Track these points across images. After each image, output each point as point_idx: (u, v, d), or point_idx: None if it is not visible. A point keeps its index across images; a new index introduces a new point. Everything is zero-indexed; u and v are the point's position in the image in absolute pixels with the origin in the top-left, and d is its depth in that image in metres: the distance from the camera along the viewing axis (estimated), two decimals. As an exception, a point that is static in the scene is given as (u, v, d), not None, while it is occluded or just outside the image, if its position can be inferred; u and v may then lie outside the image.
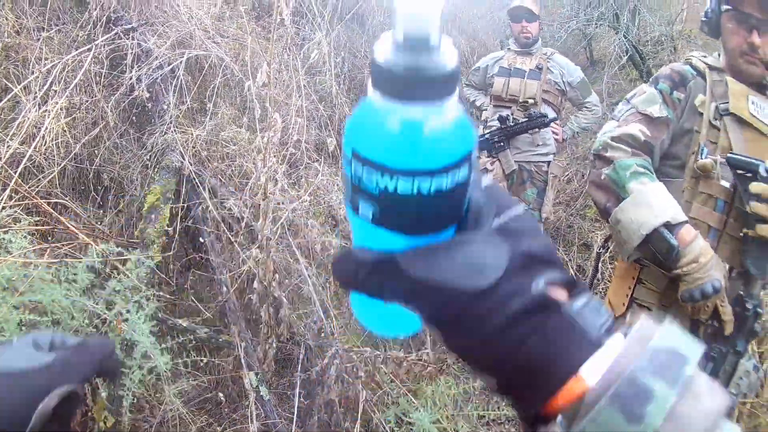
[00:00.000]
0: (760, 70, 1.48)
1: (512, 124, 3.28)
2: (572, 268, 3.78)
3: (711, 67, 1.52)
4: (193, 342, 1.94)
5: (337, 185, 3.52)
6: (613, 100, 5.45)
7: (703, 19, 1.61)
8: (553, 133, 3.41)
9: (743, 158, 1.34)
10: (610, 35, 7.15)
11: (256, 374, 1.89)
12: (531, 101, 3.32)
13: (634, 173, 1.39)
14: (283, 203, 2.48)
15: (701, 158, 1.41)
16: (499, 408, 2.54)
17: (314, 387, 2.00)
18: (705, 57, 1.56)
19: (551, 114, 3.35)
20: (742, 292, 1.39)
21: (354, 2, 6.27)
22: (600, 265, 2.01)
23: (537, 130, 3.26)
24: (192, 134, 2.82)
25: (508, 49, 3.62)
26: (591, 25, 6.56)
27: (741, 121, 1.44)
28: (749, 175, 1.32)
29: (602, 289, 3.26)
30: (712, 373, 1.37)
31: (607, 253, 3.66)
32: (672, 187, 1.48)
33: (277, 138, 2.34)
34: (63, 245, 2.08)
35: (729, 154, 1.36)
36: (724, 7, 1.51)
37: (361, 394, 1.94)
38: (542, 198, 3.36)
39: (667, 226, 1.30)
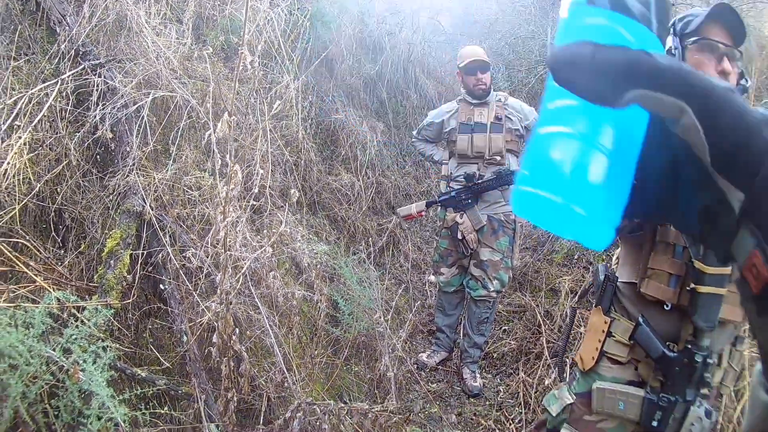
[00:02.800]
0: None
1: (480, 181, 3.46)
2: (540, 313, 3.94)
3: None
4: (153, 392, 2.01)
5: (301, 234, 3.65)
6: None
7: None
8: None
9: None
10: None
11: (217, 426, 1.97)
12: (498, 158, 3.48)
13: None
14: (245, 254, 2.58)
15: None
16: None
17: (276, 441, 2.08)
18: None
19: (514, 163, 3.50)
20: (690, 345, 1.49)
21: (323, 46, 6.55)
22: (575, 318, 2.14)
23: (507, 187, 3.47)
24: (154, 178, 2.92)
25: (460, 100, 3.70)
26: None
27: None
28: None
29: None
30: (661, 421, 1.49)
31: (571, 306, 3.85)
32: (634, 240, 1.62)
33: (237, 191, 2.44)
34: (20, 287, 2.13)
35: None
36: (691, 39, 1.58)
37: (325, 448, 2.03)
38: (512, 246, 3.53)
39: None
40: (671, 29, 1.67)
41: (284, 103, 4.53)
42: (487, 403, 3.35)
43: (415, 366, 3.65)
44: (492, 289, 3.46)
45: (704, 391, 1.52)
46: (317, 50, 6.18)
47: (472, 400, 3.34)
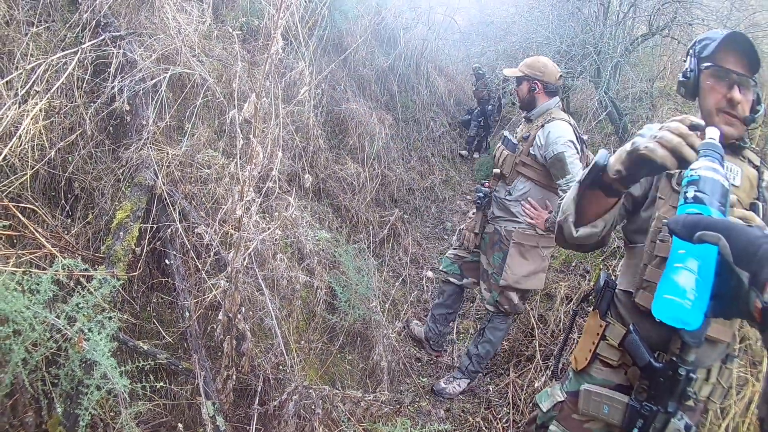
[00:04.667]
0: (738, 130, 1.58)
1: (481, 193, 3.46)
2: (534, 317, 3.97)
3: None
4: (152, 365, 2.02)
5: (306, 220, 3.66)
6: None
7: (681, 79, 1.69)
8: (527, 214, 3.24)
9: None
10: (589, 88, 7.54)
11: (213, 404, 1.98)
12: (506, 176, 3.32)
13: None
14: (254, 235, 2.58)
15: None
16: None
17: (271, 421, 2.10)
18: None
19: (526, 188, 3.26)
20: (675, 358, 1.52)
21: (339, 35, 6.53)
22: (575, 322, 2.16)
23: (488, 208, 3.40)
24: (168, 153, 2.92)
25: None
26: (571, 78, 6.81)
27: None
28: None
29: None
30: (642, 429, 1.53)
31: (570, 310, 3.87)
32: (635, 253, 1.64)
33: (257, 171, 2.45)
34: (28, 253, 2.14)
35: (667, 219, 1.41)
36: (705, 64, 1.60)
37: (318, 431, 2.05)
38: (503, 263, 3.28)
39: None
40: (691, 49, 1.70)
41: (298, 88, 4.53)
42: (476, 400, 3.38)
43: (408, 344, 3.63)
44: (485, 299, 3.41)
45: (689, 403, 1.54)
46: (333, 39, 6.17)
47: (461, 397, 3.35)
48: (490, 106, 8.62)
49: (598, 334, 1.68)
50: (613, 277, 1.77)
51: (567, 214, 1.51)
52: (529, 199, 3.25)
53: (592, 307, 1.76)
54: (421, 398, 3.29)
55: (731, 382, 2.57)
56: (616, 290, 1.71)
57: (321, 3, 5.25)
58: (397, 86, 7.46)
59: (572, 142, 3.09)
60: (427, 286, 4.75)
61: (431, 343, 3.87)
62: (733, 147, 1.64)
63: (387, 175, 5.89)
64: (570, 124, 3.19)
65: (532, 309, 4.08)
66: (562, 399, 1.78)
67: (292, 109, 4.59)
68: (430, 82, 8.68)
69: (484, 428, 3.03)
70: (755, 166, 1.67)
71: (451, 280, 3.66)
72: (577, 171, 3.03)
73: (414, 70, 8.14)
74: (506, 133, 3.45)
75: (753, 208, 1.58)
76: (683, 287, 0.86)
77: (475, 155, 8.68)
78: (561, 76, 3.38)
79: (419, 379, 3.52)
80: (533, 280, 3.31)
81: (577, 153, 3.10)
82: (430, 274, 4.94)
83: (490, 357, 3.53)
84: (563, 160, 3.04)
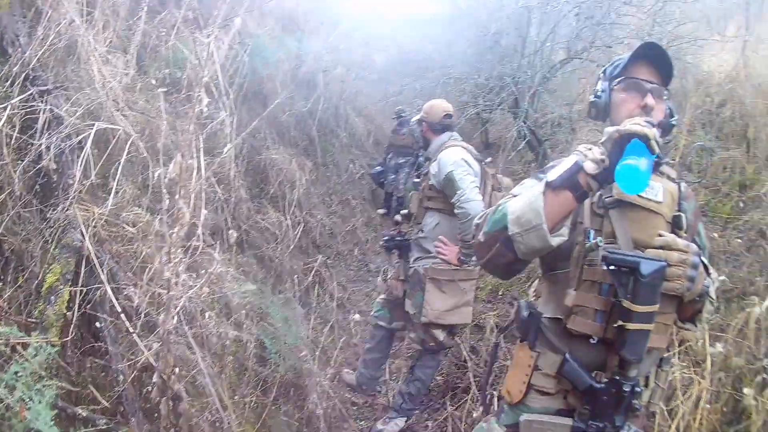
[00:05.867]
0: None
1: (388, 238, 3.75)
2: (465, 349, 4.15)
3: None
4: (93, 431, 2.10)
5: (231, 273, 3.79)
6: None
7: (593, 99, 1.73)
8: (439, 252, 3.40)
9: (620, 256, 1.48)
10: (508, 118, 7.75)
11: (154, 467, 2.08)
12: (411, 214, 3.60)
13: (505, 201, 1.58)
14: (182, 293, 2.69)
15: (589, 242, 1.55)
16: None
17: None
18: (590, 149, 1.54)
19: (435, 221, 3.45)
20: (618, 377, 1.56)
21: (259, 81, 6.72)
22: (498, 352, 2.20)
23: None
24: (94, 212, 2.99)
25: None
26: (489, 111, 7.11)
27: (627, 204, 1.58)
28: (625, 270, 1.46)
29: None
30: None
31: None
32: (557, 278, 1.67)
33: (184, 231, 2.56)
34: (-41, 321, 2.18)
35: (606, 253, 1.49)
36: (617, 80, 1.66)
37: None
38: (422, 300, 3.43)
39: None
40: (601, 73, 1.78)
41: (219, 139, 4.66)
42: None
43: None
44: (412, 339, 3.64)
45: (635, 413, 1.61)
46: (253, 86, 6.35)
47: None
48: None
49: (529, 365, 1.68)
50: (534, 305, 1.77)
51: (535, 223, 1.46)
52: (440, 237, 3.40)
53: (519, 339, 1.76)
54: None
55: (671, 383, 2.89)
56: (543, 319, 1.70)
57: (242, 49, 5.43)
58: (317, 130, 7.72)
59: (464, 160, 3.33)
60: (355, 330, 4.94)
61: (364, 387, 4.04)
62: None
63: (308, 221, 6.11)
64: (464, 148, 3.47)
65: (462, 342, 4.29)
66: None
67: (214, 160, 4.71)
68: (349, 124, 9.02)
69: (427, 464, 3.24)
70: (674, 180, 1.71)
71: (381, 324, 3.85)
72: (468, 186, 3.22)
73: (333, 113, 8.46)
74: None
75: (676, 220, 1.64)
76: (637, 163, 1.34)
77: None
78: (447, 114, 3.61)
79: (357, 423, 3.69)
80: (456, 314, 3.45)
81: (471, 171, 3.33)
82: (357, 317, 5.12)
83: (423, 394, 3.72)
84: (452, 178, 3.24)
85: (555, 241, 1.47)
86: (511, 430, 1.73)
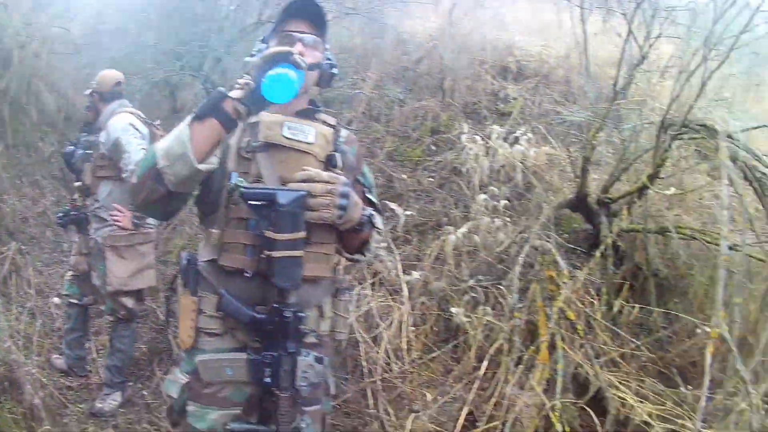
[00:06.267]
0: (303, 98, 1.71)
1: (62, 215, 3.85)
2: (162, 313, 4.32)
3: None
4: None
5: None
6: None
7: (247, 59, 1.74)
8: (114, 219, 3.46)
9: (255, 191, 1.55)
10: (198, 84, 7.56)
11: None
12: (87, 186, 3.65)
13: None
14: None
15: (231, 183, 1.58)
16: None
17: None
18: None
19: (108, 189, 3.53)
20: (277, 305, 1.61)
21: None
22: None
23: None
24: None
25: None
26: (174, 75, 7.28)
27: (275, 147, 1.64)
28: (265, 203, 1.52)
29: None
30: (273, 377, 1.60)
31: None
32: (210, 221, 1.71)
33: None
34: None
35: (242, 189, 1.54)
36: (272, 36, 1.75)
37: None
38: (105, 270, 3.49)
39: None
40: (262, 40, 1.82)
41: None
42: (136, 408, 3.73)
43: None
44: (105, 311, 3.77)
45: (311, 340, 1.71)
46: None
47: (122, 410, 3.68)
48: None
49: (193, 310, 1.70)
50: (194, 254, 1.78)
51: (181, 151, 1.47)
52: (113, 204, 3.48)
53: (182, 287, 1.76)
54: (87, 425, 3.56)
55: (370, 312, 3.21)
56: (199, 264, 1.72)
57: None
58: (9, 110, 7.12)
59: (131, 125, 3.43)
60: (56, 314, 4.85)
61: (75, 370, 4.06)
62: (306, 113, 1.75)
63: (1, 207, 5.71)
64: (131, 113, 3.58)
65: (159, 306, 4.45)
66: (187, 380, 1.73)
67: None
68: (40, 101, 8.33)
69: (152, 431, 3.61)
70: (330, 125, 1.79)
71: (73, 301, 3.92)
72: (134, 149, 3.31)
73: (26, 90, 7.81)
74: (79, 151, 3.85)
75: (330, 158, 1.71)
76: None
77: None
78: (118, 83, 3.69)
79: (77, 407, 3.76)
80: (140, 278, 3.54)
81: (139, 134, 3.43)
82: (56, 300, 5.01)
83: (130, 364, 3.83)
84: (120, 143, 3.34)
85: (203, 167, 1.49)
86: (193, 376, 1.72)
